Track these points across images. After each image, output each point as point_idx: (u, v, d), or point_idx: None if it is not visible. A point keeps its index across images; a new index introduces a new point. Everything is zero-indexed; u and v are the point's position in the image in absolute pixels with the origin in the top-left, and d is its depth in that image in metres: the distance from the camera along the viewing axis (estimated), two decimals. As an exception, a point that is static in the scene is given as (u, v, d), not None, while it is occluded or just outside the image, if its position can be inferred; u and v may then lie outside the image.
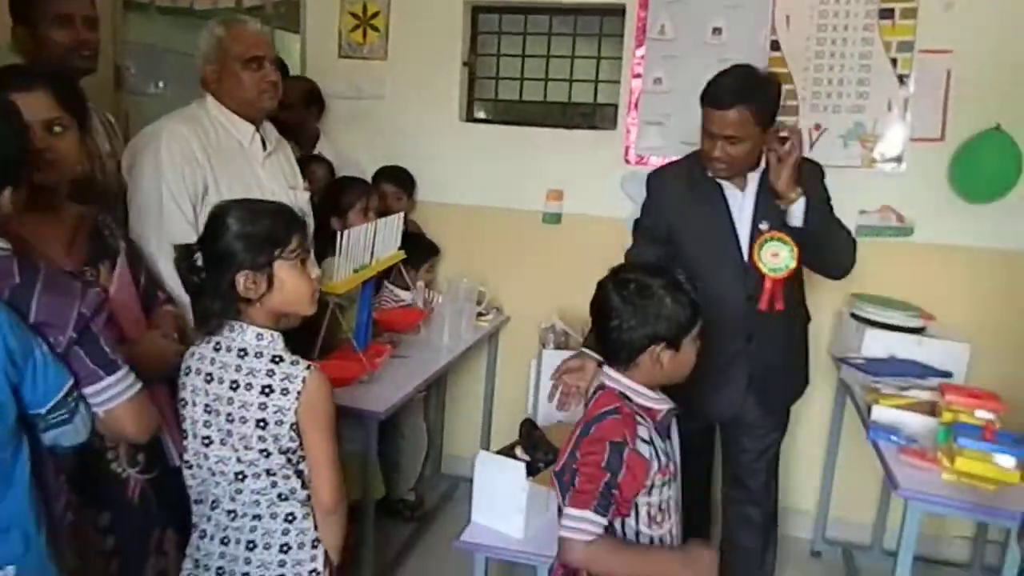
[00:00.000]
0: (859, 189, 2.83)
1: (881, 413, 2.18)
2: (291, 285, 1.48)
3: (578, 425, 1.51)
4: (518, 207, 3.22)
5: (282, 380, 1.44)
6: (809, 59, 2.87)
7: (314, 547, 1.52)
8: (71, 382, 1.27)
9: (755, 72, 2.10)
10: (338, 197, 2.71)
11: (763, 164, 2.15)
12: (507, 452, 2.22)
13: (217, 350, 1.48)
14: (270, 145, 2.24)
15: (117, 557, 1.63)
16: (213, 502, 1.53)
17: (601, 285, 1.55)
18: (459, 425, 3.45)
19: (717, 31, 2.93)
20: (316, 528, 1.52)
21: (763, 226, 2.13)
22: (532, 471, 2.13)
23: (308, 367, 1.46)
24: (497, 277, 3.25)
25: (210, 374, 1.48)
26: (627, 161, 3.08)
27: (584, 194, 3.15)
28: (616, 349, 1.49)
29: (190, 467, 1.53)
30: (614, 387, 1.51)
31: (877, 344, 2.55)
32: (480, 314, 3.06)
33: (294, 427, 1.45)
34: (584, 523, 1.38)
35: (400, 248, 2.50)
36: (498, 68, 3.32)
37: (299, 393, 1.43)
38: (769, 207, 2.13)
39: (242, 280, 1.44)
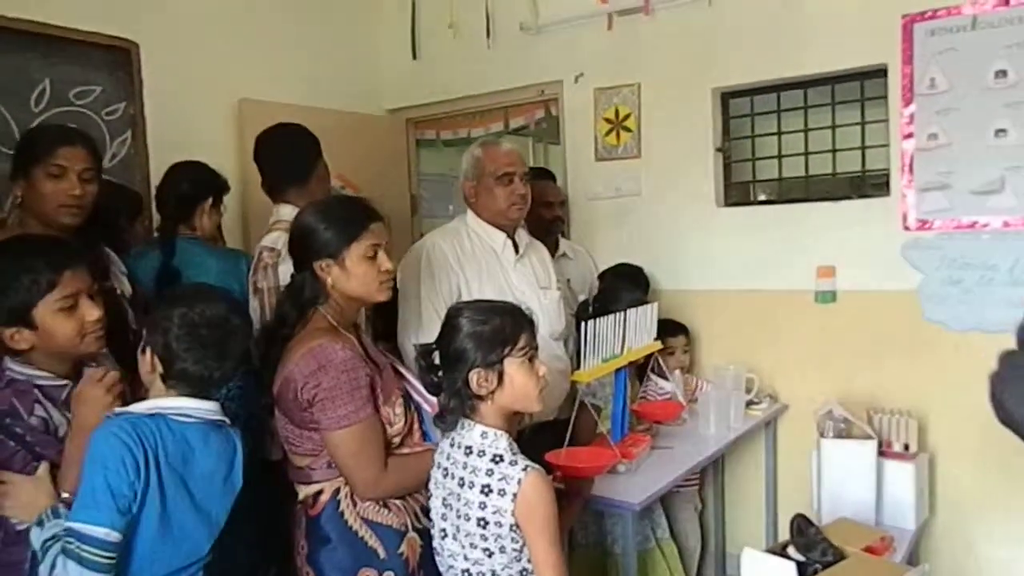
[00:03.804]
0: None
1: None
2: (520, 381, 1.54)
3: None
4: (788, 288, 3.05)
5: (500, 480, 1.47)
6: None
7: None
8: None
9: None
10: None
11: None
12: (778, 551, 2.06)
13: (452, 446, 1.57)
14: (521, 249, 2.42)
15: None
16: None
17: None
18: (741, 522, 3.25)
19: (1001, 74, 2.60)
20: None
21: None
22: (805, 572, 1.95)
23: (525, 468, 1.47)
24: (771, 363, 3.09)
25: (446, 469, 1.57)
26: (906, 227, 2.80)
27: (860, 268, 2.90)
28: None
29: (438, 554, 1.62)
30: None
31: None
32: (752, 402, 2.91)
33: (514, 528, 1.46)
34: None
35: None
36: (753, 149, 3.26)
37: (515, 495, 1.45)
38: None
39: (475, 378, 1.52)
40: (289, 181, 2.40)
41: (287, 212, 2.34)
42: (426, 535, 1.74)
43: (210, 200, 2.54)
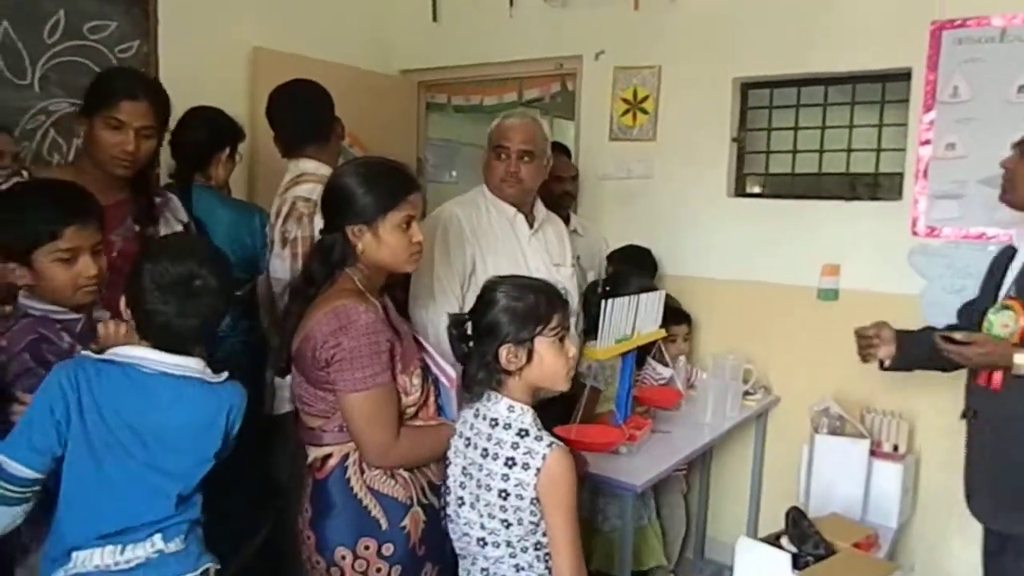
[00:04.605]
0: None
1: None
2: (549, 360, 1.55)
3: None
4: (790, 283, 3.08)
5: (524, 455, 1.49)
6: None
7: None
8: None
9: None
10: None
11: None
12: (772, 541, 2.10)
13: (476, 416, 1.59)
14: (536, 224, 2.42)
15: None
16: (472, 559, 1.62)
17: None
18: (725, 508, 3.31)
19: (1024, 89, 2.63)
20: None
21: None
22: (798, 564, 1.99)
23: (551, 444, 1.50)
24: (767, 355, 3.12)
25: (468, 439, 1.59)
26: (915, 233, 2.83)
27: (865, 269, 2.94)
28: None
29: (452, 522, 1.64)
30: None
31: None
32: (747, 393, 2.94)
33: (535, 502, 1.49)
34: None
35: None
36: (769, 142, 3.27)
37: (539, 469, 1.47)
38: None
39: (504, 353, 1.53)
40: (309, 139, 2.37)
41: (312, 166, 2.32)
42: (431, 511, 1.73)
43: (227, 150, 2.51)
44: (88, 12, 2.77)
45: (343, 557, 1.66)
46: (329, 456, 1.70)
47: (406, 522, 1.68)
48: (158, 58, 2.97)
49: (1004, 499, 2.03)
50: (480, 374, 1.54)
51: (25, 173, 1.97)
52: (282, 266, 2.24)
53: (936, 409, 2.78)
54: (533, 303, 1.54)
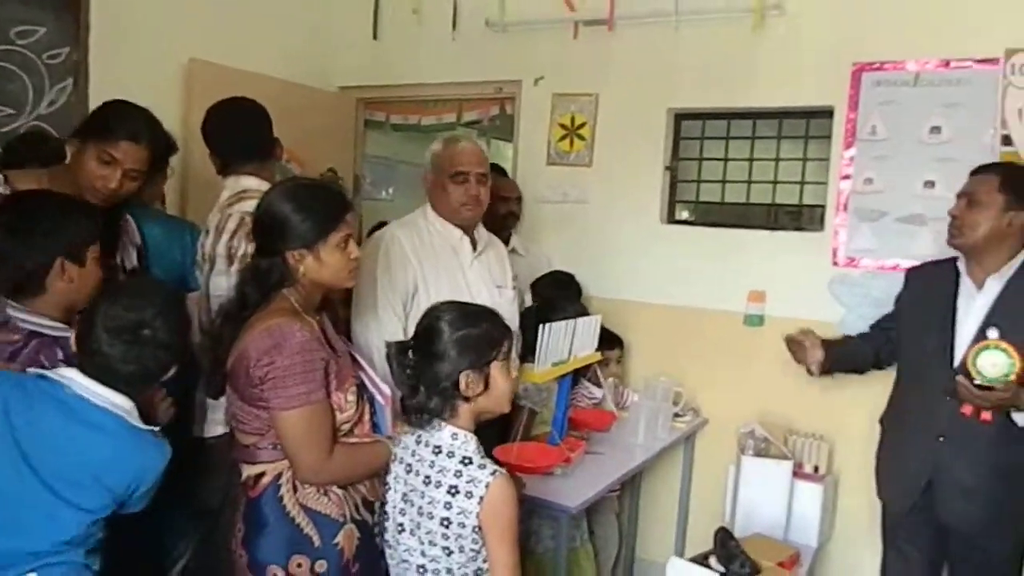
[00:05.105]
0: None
1: None
2: (501, 384, 1.59)
3: None
4: (718, 308, 3.18)
5: (468, 483, 1.51)
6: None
7: None
8: None
9: None
10: None
11: None
12: (700, 561, 2.16)
13: (418, 443, 1.59)
14: (480, 247, 2.44)
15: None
16: None
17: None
18: (653, 529, 3.37)
19: (936, 130, 2.80)
20: None
21: (991, 333, 2.09)
22: (726, 583, 2.06)
23: (494, 472, 1.52)
24: (695, 378, 3.21)
25: (410, 465, 1.59)
26: (835, 263, 2.97)
27: (789, 296, 3.06)
28: None
29: (390, 547, 1.64)
30: None
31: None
32: (677, 415, 3.02)
33: (476, 530, 1.50)
34: None
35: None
36: (700, 171, 3.38)
37: (482, 498, 1.49)
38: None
39: (464, 380, 1.55)
40: (249, 158, 2.34)
41: (255, 183, 2.28)
42: (364, 527, 1.73)
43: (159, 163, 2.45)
44: (15, 16, 2.67)
45: (275, 575, 1.64)
46: (262, 474, 1.68)
47: (339, 539, 1.68)
48: (88, 66, 2.88)
49: (992, 509, 2.19)
50: (434, 401, 1.55)
51: (2, 177, 1.91)
52: (228, 283, 2.19)
53: (853, 433, 2.91)
54: (488, 329, 1.57)
